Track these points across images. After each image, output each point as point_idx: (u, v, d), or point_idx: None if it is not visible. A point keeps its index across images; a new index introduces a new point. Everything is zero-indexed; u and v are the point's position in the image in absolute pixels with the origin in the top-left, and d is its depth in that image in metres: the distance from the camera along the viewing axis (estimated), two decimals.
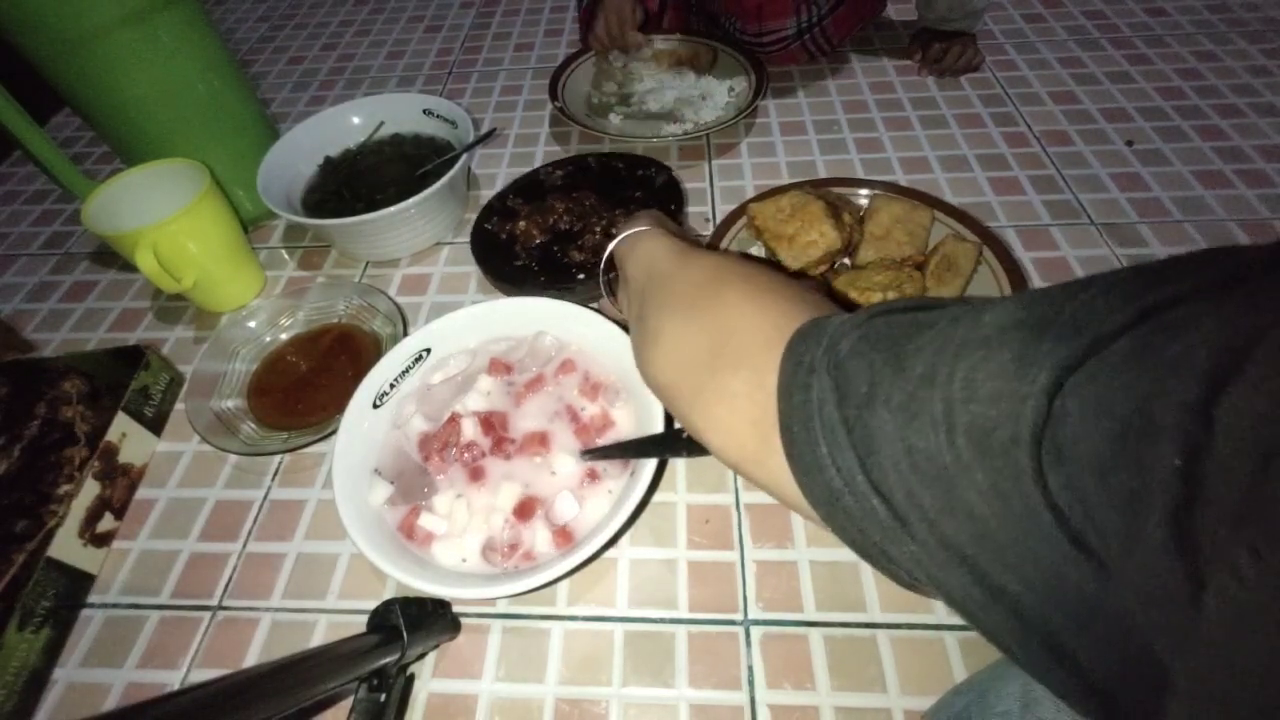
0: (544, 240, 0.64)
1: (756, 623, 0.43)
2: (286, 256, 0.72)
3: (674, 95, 0.83)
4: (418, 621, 0.38)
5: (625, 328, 0.50)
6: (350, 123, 0.76)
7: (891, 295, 0.52)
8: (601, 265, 0.44)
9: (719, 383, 0.28)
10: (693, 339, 0.30)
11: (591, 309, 0.51)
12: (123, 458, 0.52)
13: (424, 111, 0.74)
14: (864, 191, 0.64)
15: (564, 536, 0.43)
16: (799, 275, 0.57)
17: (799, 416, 0.23)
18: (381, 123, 0.76)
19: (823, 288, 0.56)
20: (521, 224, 0.64)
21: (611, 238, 0.56)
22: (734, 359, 0.28)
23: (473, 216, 0.68)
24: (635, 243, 0.40)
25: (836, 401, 0.22)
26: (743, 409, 0.26)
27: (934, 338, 0.20)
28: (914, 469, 0.19)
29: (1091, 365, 0.15)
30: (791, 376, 0.24)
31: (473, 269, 0.66)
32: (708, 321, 0.30)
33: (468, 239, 0.66)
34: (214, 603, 0.46)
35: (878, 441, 0.20)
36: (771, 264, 0.58)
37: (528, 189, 0.70)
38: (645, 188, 0.68)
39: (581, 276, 0.59)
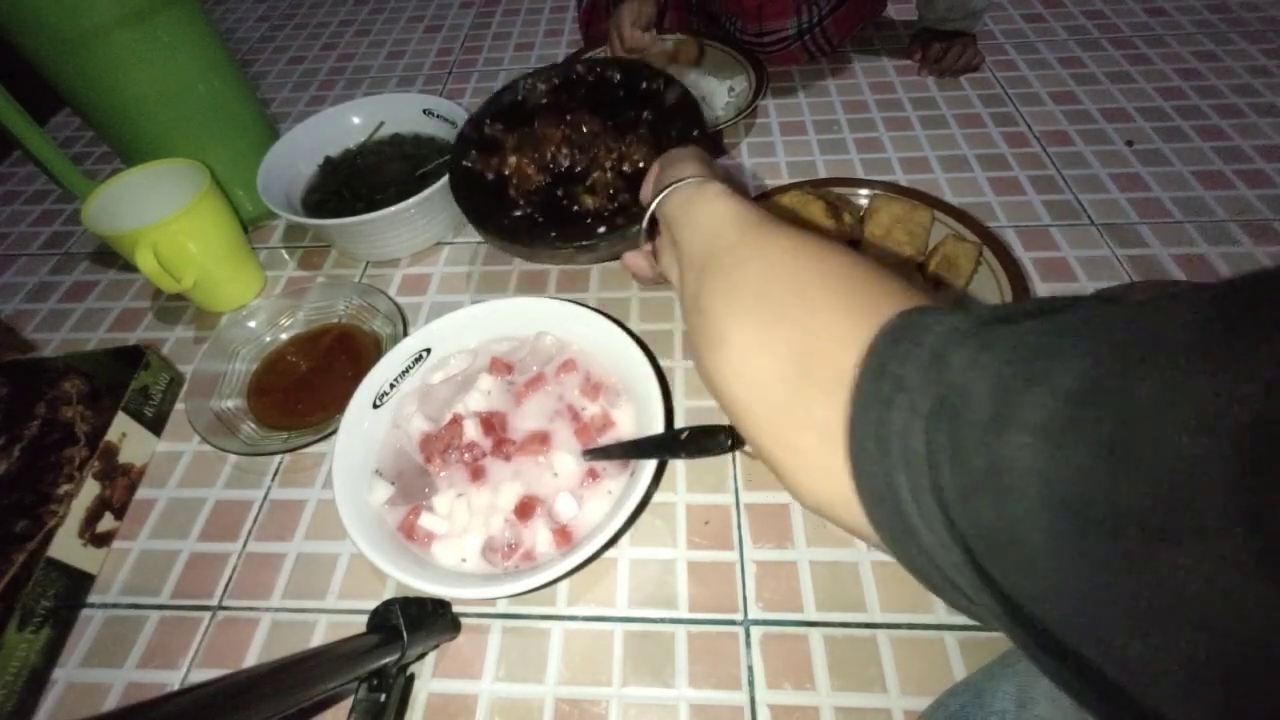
0: (544, 183, 0.53)
1: (756, 623, 0.43)
2: (286, 256, 0.72)
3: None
4: (418, 621, 0.38)
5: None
6: (350, 123, 0.76)
7: None
8: (644, 224, 0.37)
9: (806, 408, 0.23)
10: (771, 351, 0.25)
11: (595, 314, 0.51)
12: (123, 458, 0.52)
13: (424, 111, 0.74)
14: (864, 191, 0.64)
15: (564, 536, 0.43)
16: None
17: (874, 434, 0.20)
18: (381, 123, 0.76)
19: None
20: (512, 160, 0.53)
21: (625, 176, 0.49)
22: (826, 380, 0.22)
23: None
24: (689, 201, 0.32)
25: (943, 426, 0.18)
26: (838, 440, 0.22)
27: (1087, 345, 0.16)
28: (1062, 509, 0.15)
29: None
30: (872, 384, 0.20)
31: (473, 268, 0.66)
32: (791, 330, 0.24)
33: (468, 239, 0.65)
34: (214, 603, 0.46)
35: (1000, 473, 0.16)
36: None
37: (509, 112, 0.57)
38: (653, 106, 0.55)
39: (602, 230, 0.48)
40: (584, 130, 0.54)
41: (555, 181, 0.53)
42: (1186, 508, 0.13)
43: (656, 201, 0.35)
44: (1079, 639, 0.15)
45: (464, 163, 0.54)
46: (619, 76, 0.57)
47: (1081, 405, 0.15)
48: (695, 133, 0.51)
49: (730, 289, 0.27)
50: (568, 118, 0.55)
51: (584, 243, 0.47)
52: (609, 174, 0.52)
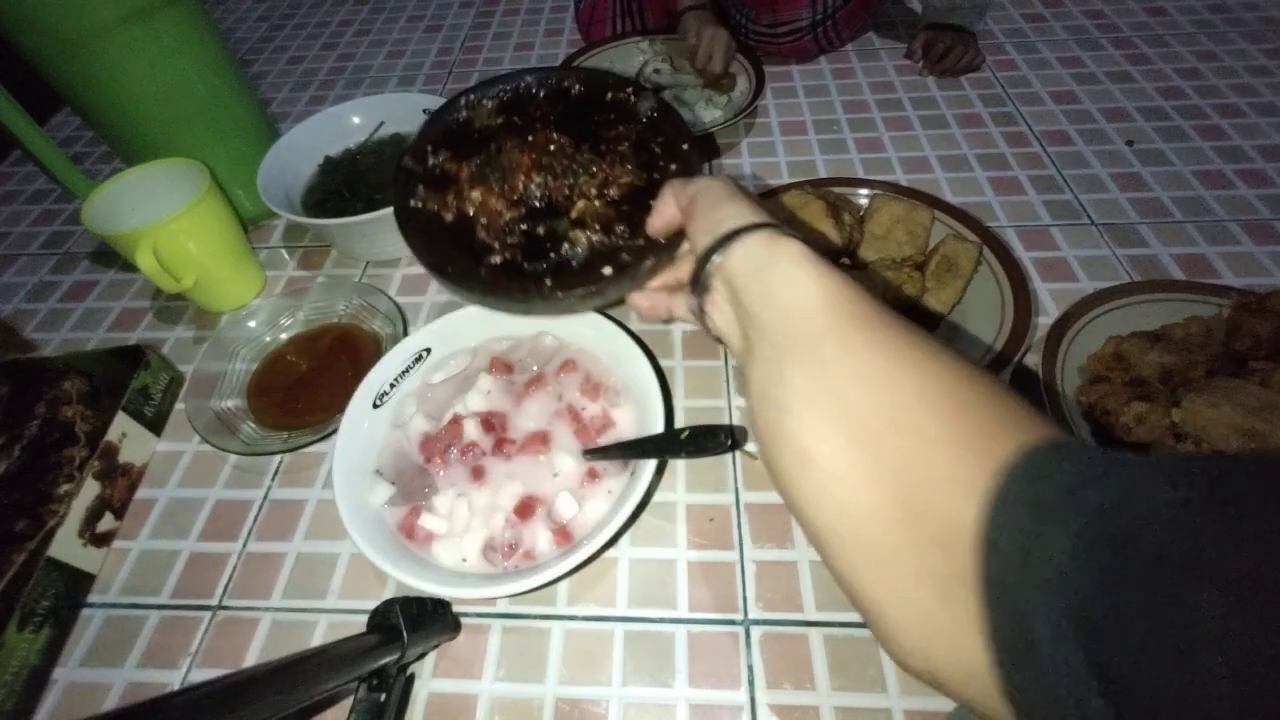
0: (519, 218, 0.42)
1: (756, 623, 0.43)
2: (286, 256, 0.72)
3: (672, 96, 0.83)
4: (418, 621, 0.38)
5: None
6: (350, 123, 0.76)
7: (891, 296, 0.52)
8: (698, 282, 0.31)
9: (920, 556, 0.20)
10: (868, 483, 0.21)
11: (595, 313, 0.47)
12: (123, 457, 0.52)
13: (424, 111, 0.74)
14: (864, 191, 0.64)
15: (564, 536, 0.43)
16: None
17: (1015, 564, 0.17)
18: (381, 123, 0.76)
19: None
20: (475, 195, 0.43)
21: (614, 203, 0.41)
22: (942, 527, 0.19)
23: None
24: (765, 265, 0.27)
25: (1117, 549, 0.15)
26: (961, 600, 0.19)
27: None
28: (1239, 680, 0.12)
29: None
30: (1017, 498, 0.18)
31: None
32: (892, 465, 0.21)
33: None
34: (214, 603, 0.46)
35: (1183, 628, 0.14)
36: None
37: (454, 137, 0.47)
38: (628, 120, 0.46)
39: (608, 271, 0.38)
40: (555, 151, 0.44)
41: (532, 216, 0.42)
42: None
43: (718, 257, 0.29)
44: None
45: (410, 203, 0.43)
46: (579, 87, 0.48)
47: None
48: (685, 146, 0.43)
49: (816, 395, 0.23)
50: (531, 138, 0.45)
51: (590, 288, 0.38)
52: (596, 202, 0.42)
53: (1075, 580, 0.16)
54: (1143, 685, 0.14)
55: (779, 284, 0.26)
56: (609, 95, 0.47)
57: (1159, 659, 0.14)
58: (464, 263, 0.41)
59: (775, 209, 0.56)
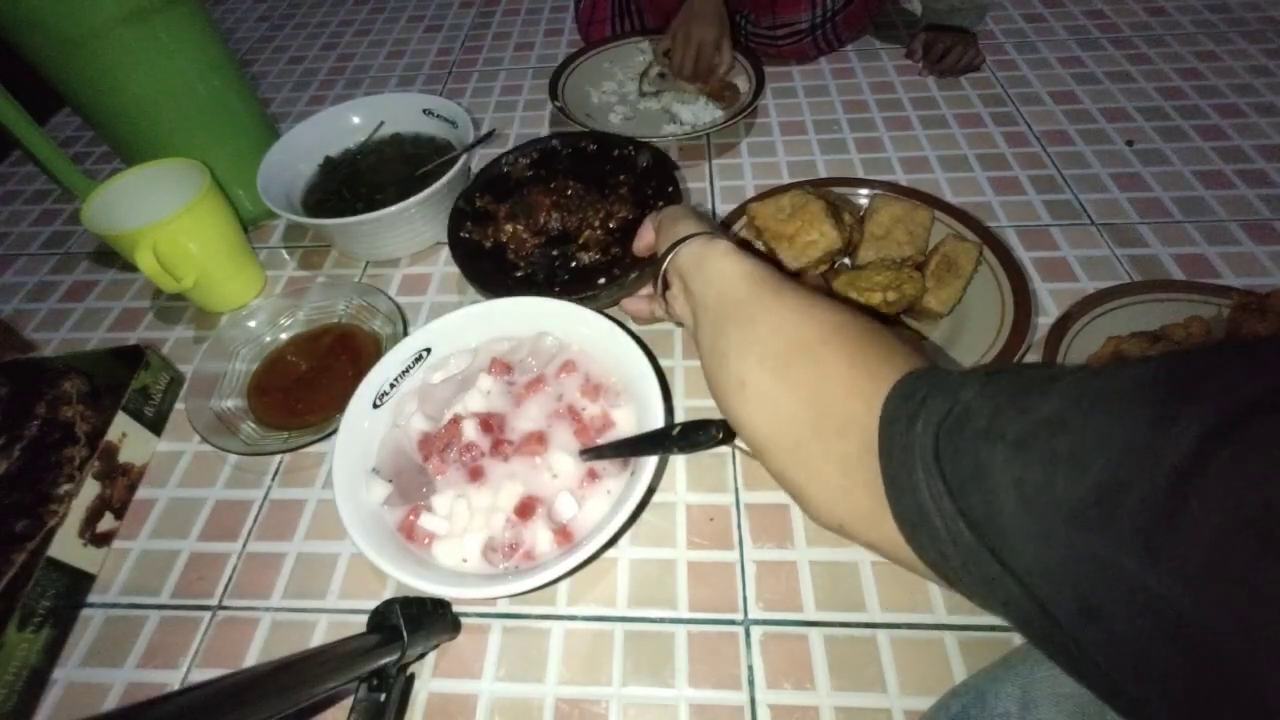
0: (539, 244, 0.57)
1: (756, 623, 0.43)
2: (286, 256, 0.72)
3: (673, 95, 0.83)
4: (418, 621, 0.38)
5: (626, 327, 0.50)
6: (350, 123, 0.76)
7: (891, 295, 0.52)
8: (658, 277, 0.41)
9: (826, 444, 0.28)
10: (787, 397, 0.29)
11: (595, 314, 0.51)
12: (123, 457, 0.52)
13: (424, 111, 0.74)
14: (864, 191, 0.64)
15: (564, 536, 0.43)
16: (799, 275, 0.57)
17: (900, 443, 0.24)
18: (381, 123, 0.76)
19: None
20: (507, 228, 0.58)
21: (613, 232, 0.54)
22: (840, 423, 0.27)
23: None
24: (702, 257, 0.37)
25: (951, 433, 0.22)
26: (857, 471, 0.26)
27: (1066, 388, 0.20)
28: (1023, 502, 0.19)
29: (1239, 440, 0.15)
30: (899, 405, 0.25)
31: None
32: (802, 382, 0.29)
33: None
34: (214, 603, 0.46)
35: (985, 471, 0.20)
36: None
37: (495, 184, 0.63)
38: (628, 170, 0.61)
39: (602, 281, 0.52)
40: (570, 194, 0.59)
41: (549, 243, 0.57)
42: (1111, 507, 0.16)
43: (670, 257, 0.39)
44: (1057, 609, 0.19)
45: (461, 234, 0.59)
46: (594, 147, 0.64)
47: (1048, 426, 0.19)
48: (670, 189, 0.57)
49: (744, 341, 0.32)
50: (553, 185, 0.60)
51: (587, 294, 0.52)
52: (599, 231, 0.56)
53: (939, 460, 0.22)
54: (972, 508, 0.21)
55: (713, 271, 0.36)
56: (616, 151, 0.62)
57: (979, 490, 0.21)
58: (497, 276, 0.55)
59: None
